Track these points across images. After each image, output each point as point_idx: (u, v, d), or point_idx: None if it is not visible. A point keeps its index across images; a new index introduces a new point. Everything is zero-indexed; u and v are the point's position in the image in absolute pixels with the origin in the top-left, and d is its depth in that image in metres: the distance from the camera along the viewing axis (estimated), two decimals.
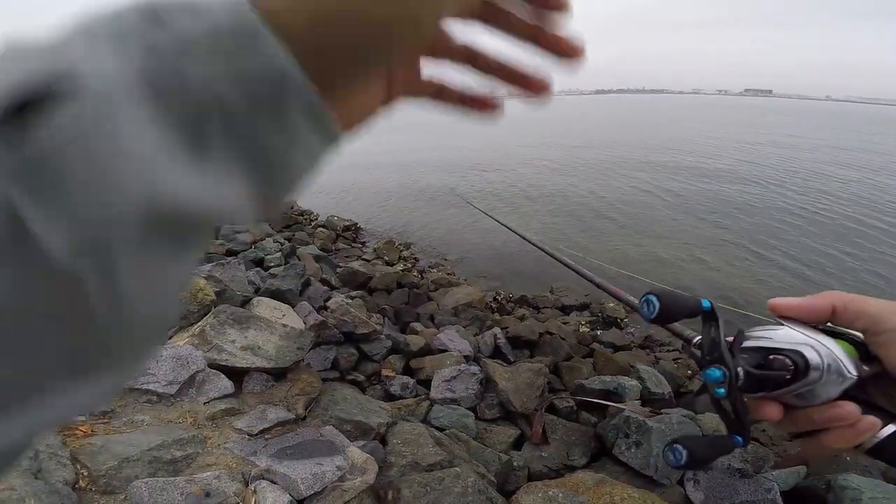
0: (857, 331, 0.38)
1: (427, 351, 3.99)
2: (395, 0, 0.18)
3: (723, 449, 0.41)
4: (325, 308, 4.13)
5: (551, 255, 1.09)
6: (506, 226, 2.06)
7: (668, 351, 5.06)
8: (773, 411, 0.38)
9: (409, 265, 8.23)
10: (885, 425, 0.36)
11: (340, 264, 7.41)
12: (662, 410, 2.88)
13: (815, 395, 0.37)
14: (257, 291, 4.06)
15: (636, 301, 0.69)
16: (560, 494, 1.99)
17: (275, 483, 1.80)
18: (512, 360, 4.13)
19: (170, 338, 2.88)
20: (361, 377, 3.38)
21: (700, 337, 0.42)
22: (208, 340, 2.62)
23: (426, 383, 3.39)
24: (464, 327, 5.12)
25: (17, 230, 0.14)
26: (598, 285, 0.83)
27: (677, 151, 20.85)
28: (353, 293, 5.68)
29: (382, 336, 3.79)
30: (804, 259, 7.81)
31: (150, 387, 2.29)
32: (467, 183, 16.21)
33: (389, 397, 3.24)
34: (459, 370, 3.35)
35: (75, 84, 0.15)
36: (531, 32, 0.26)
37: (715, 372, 0.37)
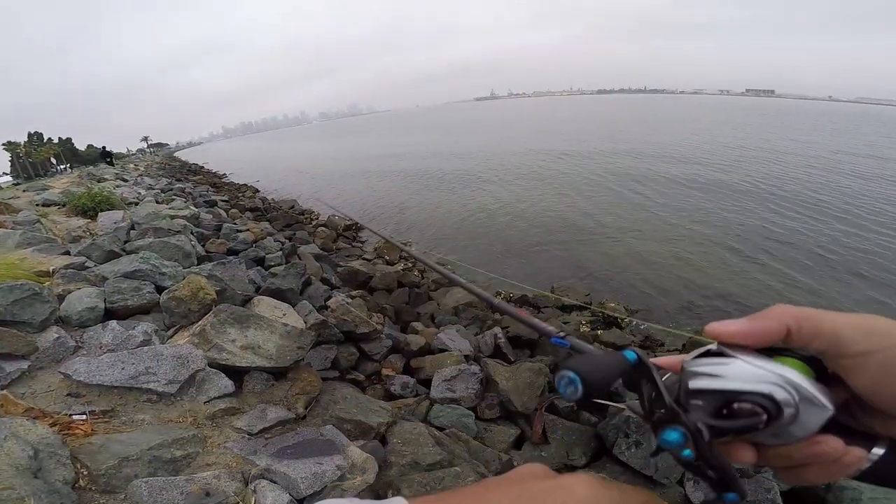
0: (814, 352, 0.33)
1: (427, 350, 4.00)
2: None
3: (620, 366, 0.35)
4: (326, 307, 4.13)
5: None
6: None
7: (669, 351, 5.06)
8: (745, 455, 0.35)
9: (410, 264, 8.22)
10: (871, 449, 0.33)
11: (341, 263, 7.42)
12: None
13: (790, 434, 0.33)
14: (258, 290, 4.06)
15: (550, 329, 0.61)
16: None
17: (275, 482, 1.80)
18: (512, 359, 4.12)
19: (170, 337, 2.88)
20: (362, 376, 3.37)
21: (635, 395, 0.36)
22: (209, 339, 2.62)
23: (426, 383, 3.39)
24: (464, 327, 5.12)
25: None
26: (494, 307, 0.79)
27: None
28: (354, 292, 5.68)
29: (383, 335, 3.79)
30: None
31: (151, 386, 2.29)
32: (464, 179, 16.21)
33: (389, 397, 3.24)
34: (460, 370, 3.35)
35: None
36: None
37: (672, 434, 0.32)
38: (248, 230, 8.21)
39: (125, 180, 15.98)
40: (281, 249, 6.92)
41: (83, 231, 5.62)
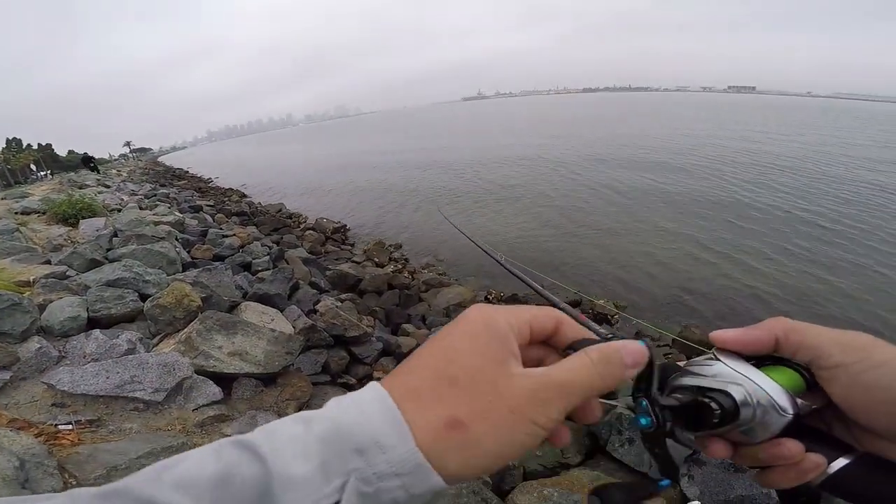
0: (801, 362, 0.36)
1: None
2: (511, 455, 0.30)
3: (643, 493, 0.38)
4: (315, 311, 4.11)
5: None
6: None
7: (659, 346, 5.12)
8: (720, 449, 0.37)
9: (400, 266, 8.19)
10: (836, 459, 0.34)
11: (330, 267, 7.37)
12: None
13: (755, 434, 0.35)
14: (245, 296, 4.02)
15: (603, 332, 0.66)
16: (555, 493, 1.99)
17: None
18: None
19: (155, 345, 2.84)
20: (353, 380, 3.36)
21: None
22: (195, 347, 2.59)
23: None
24: None
25: None
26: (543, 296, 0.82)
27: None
28: (343, 296, 5.65)
29: (373, 338, 3.78)
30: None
31: (137, 394, 2.26)
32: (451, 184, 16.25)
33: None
34: None
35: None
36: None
37: (643, 419, 0.36)
38: (234, 235, 8.12)
39: (107, 186, 15.71)
40: (268, 254, 6.86)
41: (64, 239, 5.51)
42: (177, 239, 6.61)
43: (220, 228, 9.05)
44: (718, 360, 0.37)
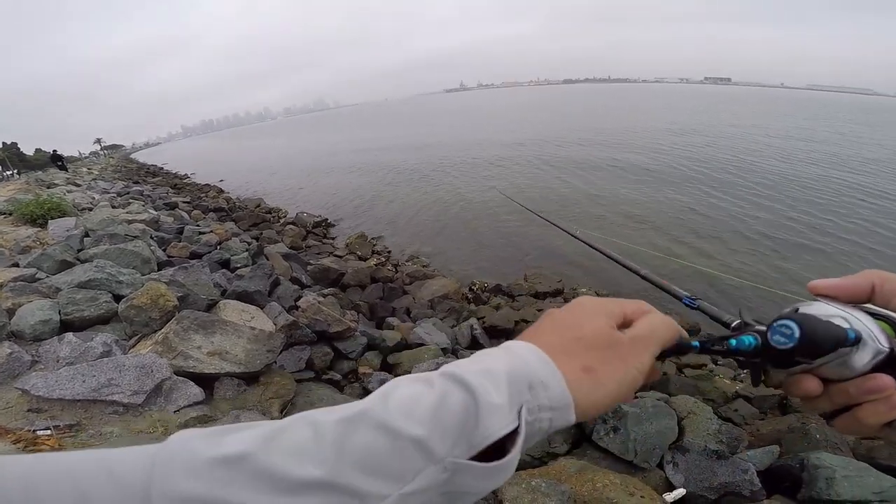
0: (894, 310, 0.38)
1: (404, 345, 3.98)
2: (625, 392, 0.38)
3: (839, 340, 0.37)
4: (297, 308, 4.06)
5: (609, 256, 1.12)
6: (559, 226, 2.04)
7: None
8: (811, 385, 0.39)
9: (383, 259, 8.13)
10: None
11: (311, 261, 7.26)
12: (637, 395, 2.93)
13: (849, 367, 0.36)
14: (224, 294, 3.95)
15: (683, 293, 0.70)
16: (543, 484, 1.99)
17: None
18: None
19: (132, 347, 2.77)
20: (338, 376, 3.33)
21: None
22: (173, 347, 2.53)
23: None
24: (440, 319, 5.13)
25: None
26: (644, 277, 0.91)
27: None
28: (326, 291, 5.59)
29: (357, 333, 3.75)
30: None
31: (115, 397, 2.20)
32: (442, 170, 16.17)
33: (368, 395, 3.21)
34: (437, 363, 3.35)
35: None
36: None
37: (748, 339, 0.40)
38: (211, 231, 7.95)
39: (77, 185, 15.18)
40: (247, 250, 6.73)
41: (33, 241, 5.31)
42: (152, 237, 6.43)
43: (197, 225, 8.84)
44: (818, 300, 0.40)
